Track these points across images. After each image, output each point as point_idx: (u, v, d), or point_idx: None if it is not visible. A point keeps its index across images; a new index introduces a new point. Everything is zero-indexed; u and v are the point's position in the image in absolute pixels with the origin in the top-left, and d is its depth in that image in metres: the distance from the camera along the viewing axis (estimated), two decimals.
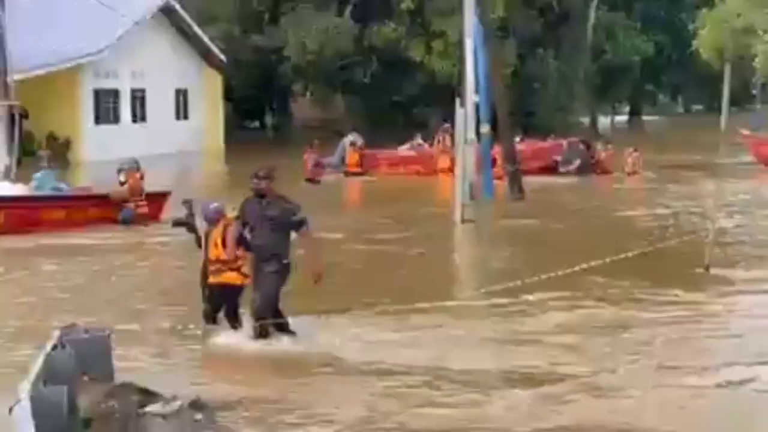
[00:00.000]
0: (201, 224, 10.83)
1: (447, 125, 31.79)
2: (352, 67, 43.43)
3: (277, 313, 10.14)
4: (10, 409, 6.27)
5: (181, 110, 40.44)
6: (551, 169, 28.16)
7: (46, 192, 18.94)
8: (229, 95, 43.24)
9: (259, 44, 43.89)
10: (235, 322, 10.47)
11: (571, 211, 21.62)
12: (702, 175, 27.77)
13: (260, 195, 10.07)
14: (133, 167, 19.35)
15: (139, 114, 38.11)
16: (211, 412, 8.00)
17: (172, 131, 38.59)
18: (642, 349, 9.89)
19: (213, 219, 10.60)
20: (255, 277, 10.13)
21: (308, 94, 49.25)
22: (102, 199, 19.07)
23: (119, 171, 19.40)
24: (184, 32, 39.65)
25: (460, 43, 21.50)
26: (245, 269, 10.37)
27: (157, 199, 19.21)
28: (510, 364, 9.40)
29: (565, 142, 29.74)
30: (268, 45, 43.52)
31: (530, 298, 11.92)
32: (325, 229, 18.43)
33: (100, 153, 33.08)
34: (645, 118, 60.48)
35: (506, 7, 39.01)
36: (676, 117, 63.32)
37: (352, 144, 29.94)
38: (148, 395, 8.05)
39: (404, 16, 42.72)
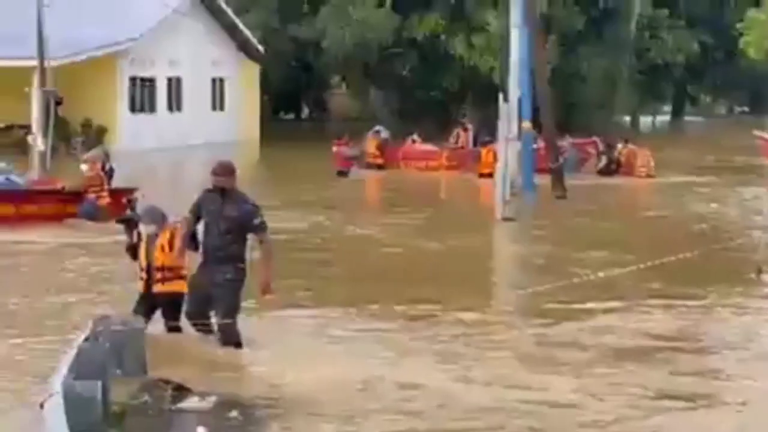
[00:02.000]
0: (146, 227, 9.72)
1: (464, 120, 31.32)
2: (391, 60, 43.08)
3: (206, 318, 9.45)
4: (42, 404, 6.01)
5: (217, 100, 40.24)
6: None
7: None
8: (265, 86, 43.00)
9: (297, 35, 43.62)
10: (177, 330, 9.67)
11: (614, 210, 21.24)
12: (745, 178, 27.14)
13: (221, 191, 9.34)
14: (99, 158, 18.18)
15: (174, 103, 37.90)
16: (245, 409, 7.79)
17: (207, 121, 38.38)
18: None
19: (159, 222, 9.72)
20: (206, 280, 9.34)
21: (344, 86, 49.02)
22: (57, 194, 17.62)
23: (84, 162, 18.07)
24: (222, 21, 39.44)
25: (502, 38, 21.10)
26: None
27: (122, 194, 17.69)
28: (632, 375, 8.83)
29: (567, 143, 28.05)
30: (307, 36, 43.23)
31: (591, 299, 11.58)
32: (359, 226, 18.15)
33: (134, 142, 32.92)
34: (687, 118, 59.82)
35: (549, 2, 38.54)
36: (718, 118, 62.56)
37: (376, 132, 29.48)
38: (183, 391, 7.85)
39: (446, 8, 42.30)
